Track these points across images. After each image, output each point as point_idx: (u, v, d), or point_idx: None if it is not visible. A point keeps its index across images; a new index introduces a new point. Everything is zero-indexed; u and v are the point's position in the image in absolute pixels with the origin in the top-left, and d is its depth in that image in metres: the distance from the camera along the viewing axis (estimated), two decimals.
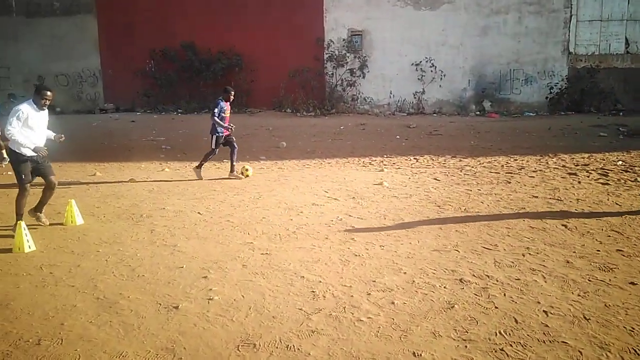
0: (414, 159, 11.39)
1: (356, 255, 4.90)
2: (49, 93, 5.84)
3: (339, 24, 21.45)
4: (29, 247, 5.23)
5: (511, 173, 9.33)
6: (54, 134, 6.33)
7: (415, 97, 21.47)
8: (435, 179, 8.96)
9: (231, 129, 9.38)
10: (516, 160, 10.90)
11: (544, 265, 4.61)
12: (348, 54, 21.36)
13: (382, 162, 11.06)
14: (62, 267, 4.75)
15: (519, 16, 20.74)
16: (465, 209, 6.65)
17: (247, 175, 9.36)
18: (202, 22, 21.98)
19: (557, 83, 20.85)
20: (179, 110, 21.87)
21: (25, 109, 5.73)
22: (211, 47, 21.78)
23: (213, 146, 9.35)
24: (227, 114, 9.39)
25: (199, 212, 6.73)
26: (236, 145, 9.53)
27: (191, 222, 6.27)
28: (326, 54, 21.50)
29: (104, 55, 23.35)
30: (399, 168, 10.27)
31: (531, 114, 20.78)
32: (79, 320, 3.65)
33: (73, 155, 12.54)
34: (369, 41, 21.46)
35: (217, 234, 5.75)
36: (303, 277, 4.39)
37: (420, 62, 21.05)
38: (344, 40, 21.41)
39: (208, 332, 3.47)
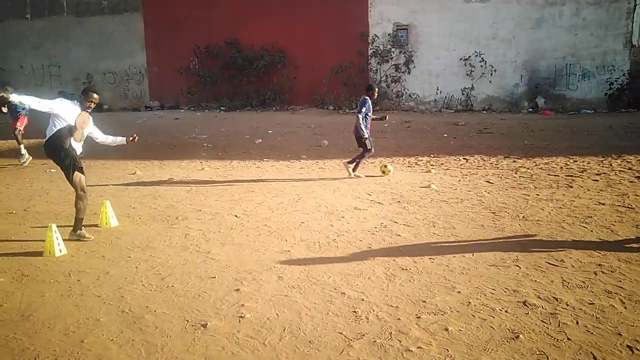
0: (464, 159, 10.74)
1: (403, 269, 4.43)
2: (95, 96, 5.62)
3: (384, 18, 20.83)
4: (60, 251, 5.04)
5: (572, 176, 8.58)
6: (123, 138, 6.34)
7: (463, 94, 20.60)
8: (488, 181, 8.33)
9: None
10: (576, 161, 10.07)
11: (620, 287, 4.01)
12: (393, 49, 20.73)
13: (429, 162, 10.48)
14: (91, 274, 4.52)
15: (576, 7, 19.52)
16: (524, 217, 6.04)
17: (388, 172, 8.96)
18: (245, 19, 21.87)
19: (618, 78, 19.53)
20: (222, 108, 21.85)
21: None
22: (254, 44, 21.64)
23: (369, 146, 9.00)
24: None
25: (235, 215, 6.42)
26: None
27: (227, 225, 5.96)
28: (370, 49, 20.95)
29: (150, 52, 23.63)
30: (447, 169, 9.67)
31: (589, 111, 19.55)
32: (100, 338, 3.37)
33: (117, 153, 12.56)
34: (415, 35, 20.75)
35: (253, 240, 5.40)
36: (344, 293, 3.97)
37: (469, 56, 20.17)
38: (389, 34, 20.79)
39: (237, 357, 3.10)
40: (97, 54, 24.25)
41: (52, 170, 10.36)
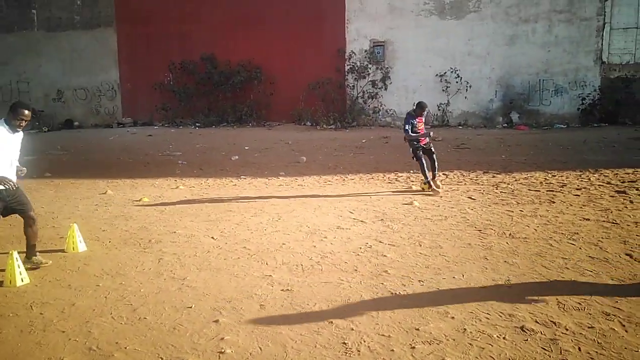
0: (443, 174, 10.63)
1: (392, 294, 4.20)
2: (26, 112, 4.75)
3: (360, 35, 20.89)
4: (22, 281, 4.66)
5: (553, 191, 8.53)
6: (18, 166, 5.02)
7: (439, 109, 20.71)
8: (470, 197, 8.21)
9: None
10: (555, 176, 10.07)
11: (618, 308, 3.85)
12: (370, 65, 20.76)
13: (409, 178, 10.35)
14: (55, 306, 4.15)
15: (548, 25, 19.91)
16: (510, 234, 5.90)
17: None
18: (222, 34, 21.67)
19: (590, 94, 19.89)
20: (197, 124, 21.48)
21: None
22: (231, 59, 21.42)
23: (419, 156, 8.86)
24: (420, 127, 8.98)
25: (212, 237, 6.11)
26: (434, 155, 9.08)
27: (204, 249, 5.65)
28: (347, 65, 20.94)
29: (123, 68, 23.18)
30: None
31: (562, 126, 19.83)
32: None
33: (86, 171, 12.16)
34: (392, 52, 20.85)
35: (231, 264, 5.10)
36: (331, 322, 3.71)
37: (445, 72, 20.33)
38: (365, 51, 20.83)
39: None
40: (69, 69, 23.68)
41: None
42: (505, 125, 20.25)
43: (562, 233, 5.91)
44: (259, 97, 21.34)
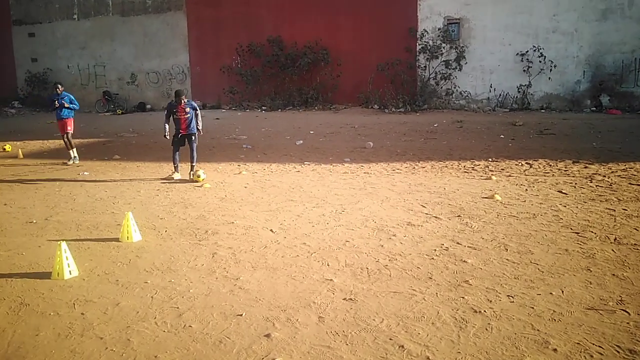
0: (527, 164, 9.61)
1: (476, 312, 3.52)
2: None
3: (434, 12, 19.67)
4: (70, 273, 4.40)
5: None
6: None
7: (519, 91, 19.18)
8: (561, 191, 7.23)
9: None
10: None
11: None
12: (443, 45, 19.53)
13: (488, 167, 9.41)
14: (99, 306, 3.84)
15: None
16: (615, 239, 4.98)
17: (200, 180, 8.64)
18: (288, 15, 21.22)
19: None
20: (264, 108, 21.28)
21: None
22: (297, 41, 20.94)
23: None
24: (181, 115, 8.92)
25: (271, 230, 5.65)
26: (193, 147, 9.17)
27: (261, 243, 5.19)
28: (419, 44, 19.83)
29: (193, 52, 23.36)
30: (510, 175, 8.60)
31: None
32: None
33: (153, 154, 12.16)
34: (467, 30, 19.48)
35: (289, 262, 4.61)
36: (402, 347, 3.10)
37: (527, 51, 18.72)
38: (439, 29, 19.60)
39: None
40: (141, 53, 24.23)
41: (86, 172, 9.96)
42: (594, 109, 18.43)
43: None
44: (325, 80, 20.76)
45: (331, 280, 4.17)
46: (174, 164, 9.18)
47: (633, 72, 18.36)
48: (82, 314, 3.70)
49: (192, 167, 9.11)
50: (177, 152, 9.16)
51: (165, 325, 3.49)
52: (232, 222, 5.99)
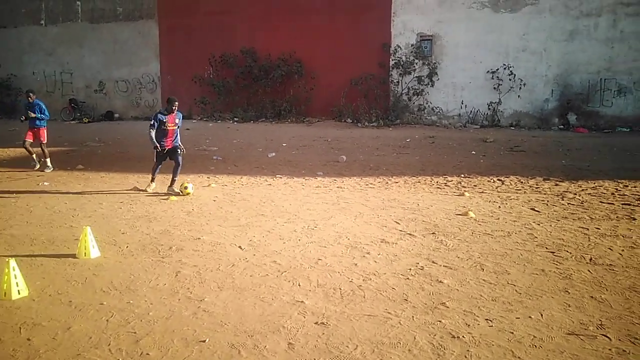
0: (499, 180, 9.62)
1: (454, 337, 3.35)
2: None
3: (407, 28, 19.83)
4: (18, 293, 4.06)
5: (630, 205, 7.42)
6: None
7: (489, 108, 19.43)
8: (533, 209, 7.20)
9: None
10: (627, 186, 8.90)
11: None
12: (416, 60, 19.68)
13: (461, 183, 9.37)
14: (48, 330, 3.51)
15: (613, 19, 18.29)
16: (591, 259, 4.92)
17: (187, 193, 8.20)
18: (262, 27, 21.07)
19: None
20: (235, 119, 20.98)
21: None
22: (271, 53, 20.79)
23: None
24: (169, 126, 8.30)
25: (239, 247, 5.39)
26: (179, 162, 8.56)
27: (228, 261, 4.93)
28: (392, 60, 19.93)
29: (164, 61, 22.93)
30: (482, 192, 8.56)
31: (625, 129, 18.24)
32: None
33: (119, 165, 11.74)
34: (440, 46, 19.70)
35: (258, 282, 4.36)
36: None
37: (497, 69, 19.02)
38: (412, 45, 19.76)
39: None
40: (111, 61, 23.64)
41: (46, 183, 9.50)
42: (562, 127, 18.81)
43: None
44: (299, 92, 20.63)
45: (302, 302, 3.94)
46: (153, 175, 8.66)
47: (599, 92, 18.84)
48: (28, 339, 3.37)
49: (173, 181, 8.52)
50: (159, 167, 8.64)
51: (120, 353, 3.20)
52: (199, 238, 5.71)
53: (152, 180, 8.67)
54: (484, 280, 4.37)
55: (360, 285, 4.26)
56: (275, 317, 3.66)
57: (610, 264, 4.76)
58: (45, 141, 10.87)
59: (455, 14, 19.31)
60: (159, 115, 8.19)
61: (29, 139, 10.78)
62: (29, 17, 24.40)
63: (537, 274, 4.50)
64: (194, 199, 8.03)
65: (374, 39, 19.99)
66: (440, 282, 4.33)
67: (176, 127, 8.33)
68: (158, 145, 8.14)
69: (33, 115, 10.60)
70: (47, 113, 10.88)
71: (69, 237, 5.80)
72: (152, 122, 8.17)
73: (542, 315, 3.67)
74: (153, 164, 8.64)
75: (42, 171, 10.72)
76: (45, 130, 10.88)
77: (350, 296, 4.04)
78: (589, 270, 4.60)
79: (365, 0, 20.09)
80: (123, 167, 11.45)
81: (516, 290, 4.13)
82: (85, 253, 5.04)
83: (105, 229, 6.14)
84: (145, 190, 8.50)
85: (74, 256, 5.08)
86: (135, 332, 3.46)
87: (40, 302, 3.99)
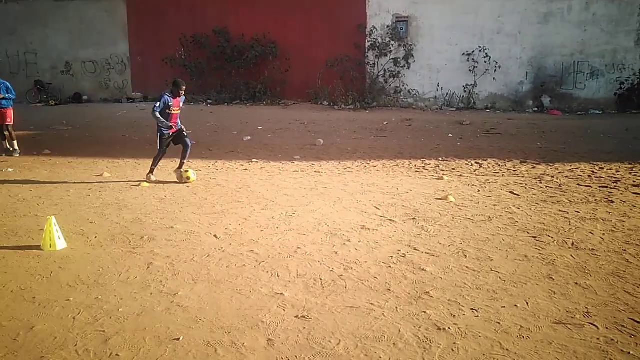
0: (476, 163, 9.59)
1: (440, 329, 3.24)
2: None
3: (382, 9, 19.57)
4: None
5: (607, 187, 7.45)
6: None
7: (465, 91, 19.44)
8: (512, 192, 7.17)
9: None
10: (603, 169, 8.96)
11: None
12: (392, 42, 19.48)
13: (439, 166, 9.30)
14: (9, 330, 3.27)
15: (586, 2, 18.39)
16: (573, 244, 4.88)
17: (191, 181, 7.86)
18: (235, 6, 20.50)
19: (629, 78, 18.46)
20: (209, 101, 20.49)
21: None
22: (245, 33, 20.28)
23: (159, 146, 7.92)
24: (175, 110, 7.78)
25: (215, 235, 5.18)
26: (189, 143, 8.09)
27: (203, 251, 4.72)
28: (368, 41, 19.68)
29: (133, 41, 22.14)
30: (461, 175, 8.50)
31: (597, 111, 18.51)
32: None
33: (88, 149, 11.31)
34: (416, 28, 19.53)
35: (235, 274, 4.17)
36: None
37: (473, 51, 18.99)
38: (387, 27, 19.53)
39: None
40: (77, 41, 22.69)
41: (10, 169, 9.06)
42: (536, 109, 18.97)
43: (637, 244, 4.87)
44: (274, 74, 20.23)
45: (281, 294, 3.77)
46: (155, 165, 8.01)
47: (572, 74, 19.03)
48: None
49: (182, 164, 8.05)
50: (163, 155, 8.03)
51: (87, 354, 2.98)
52: (172, 227, 5.47)
53: (152, 170, 8.03)
54: (467, 267, 4.28)
55: (342, 275, 4.11)
56: (253, 311, 3.49)
57: (593, 249, 4.73)
58: (12, 122, 10.36)
59: None
60: (166, 97, 7.55)
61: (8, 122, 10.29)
62: None
63: (520, 260, 4.43)
64: (167, 185, 7.75)
65: (350, 20, 19.68)
66: (423, 270, 4.21)
67: (179, 110, 7.84)
68: (168, 126, 7.59)
69: (1, 95, 10.08)
70: (13, 92, 10.38)
71: (33, 227, 5.49)
72: (157, 104, 7.54)
73: (527, 303, 3.59)
74: (156, 153, 7.97)
75: (11, 156, 10.24)
76: (11, 111, 10.39)
77: (331, 287, 3.89)
78: (571, 256, 4.55)
79: None
80: (92, 151, 11.02)
81: (500, 278, 4.05)
82: (50, 244, 4.76)
83: (72, 217, 5.84)
84: (146, 182, 7.81)
85: (38, 248, 4.80)
86: (104, 331, 3.24)
87: (1, 299, 3.72)
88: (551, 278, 4.04)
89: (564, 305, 3.57)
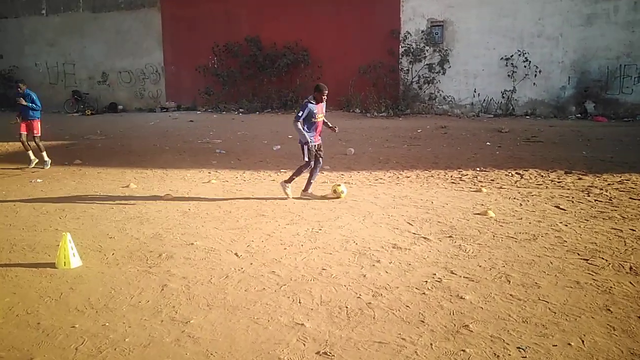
0: (517, 174, 9.01)
1: None
2: None
3: (417, 14, 19.09)
4: None
5: None
6: None
7: (503, 97, 18.70)
8: (558, 207, 6.61)
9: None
10: None
11: None
12: (427, 47, 18.96)
13: (477, 177, 8.79)
14: None
15: (634, 1, 17.42)
16: (631, 268, 4.34)
17: (341, 194, 7.17)
18: (267, 15, 20.43)
19: None
20: (241, 110, 20.43)
21: None
22: (276, 42, 20.18)
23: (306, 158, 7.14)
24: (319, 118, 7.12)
25: (236, 254, 4.88)
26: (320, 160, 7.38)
27: (222, 271, 4.41)
28: (402, 47, 19.22)
29: (167, 51, 22.40)
30: (501, 187, 7.97)
31: None
32: None
33: (118, 159, 11.29)
34: (451, 32, 18.95)
35: (253, 299, 3.84)
36: None
37: (512, 56, 18.25)
38: (422, 32, 19.03)
39: None
40: (113, 51, 23.14)
41: (39, 180, 9.06)
42: (579, 115, 18.05)
43: None
44: (305, 82, 19.99)
45: (302, 324, 3.41)
46: (297, 176, 7.28)
47: (618, 78, 18.02)
48: None
49: (310, 184, 7.36)
50: (311, 167, 7.22)
51: None
52: (192, 244, 5.20)
53: (291, 180, 7.32)
54: (511, 295, 3.82)
55: (370, 303, 3.72)
56: (270, 345, 3.15)
57: None
58: (39, 134, 10.39)
59: None
60: (310, 105, 6.85)
61: (24, 132, 10.35)
62: (30, 7, 23.94)
63: (571, 287, 3.94)
64: (192, 195, 7.54)
65: (383, 26, 19.29)
66: (462, 298, 3.78)
67: (323, 117, 7.16)
68: (306, 139, 6.90)
69: (24, 103, 10.12)
70: (38, 103, 10.41)
71: (51, 242, 5.31)
72: (299, 113, 6.85)
73: (583, 341, 3.12)
74: (302, 165, 7.21)
75: (42, 168, 10.25)
76: (38, 123, 10.41)
77: (358, 316, 3.51)
78: (630, 283, 4.03)
79: None
80: (122, 161, 10.99)
81: (550, 309, 3.58)
82: (64, 262, 4.55)
83: (92, 232, 5.66)
84: (287, 197, 7.22)
85: (53, 265, 4.60)
86: None
87: (4, 325, 3.50)
88: (609, 310, 3.55)
89: (626, 344, 3.08)
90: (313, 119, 6.94)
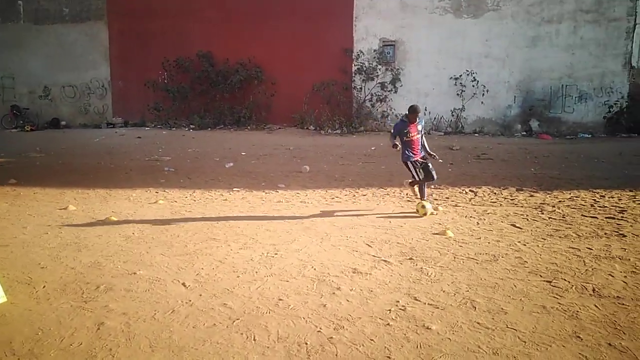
0: (471, 191, 9.04)
1: None
2: None
3: (369, 33, 19.27)
4: None
5: (614, 218, 6.90)
6: None
7: (453, 115, 19.08)
8: (514, 225, 6.59)
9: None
10: (604, 196, 8.45)
11: None
12: (379, 66, 19.14)
13: (432, 195, 8.72)
14: None
15: (574, 26, 18.29)
16: (594, 290, 4.26)
17: (425, 214, 7.22)
18: (220, 31, 20.05)
19: (617, 101, 18.29)
20: (192, 126, 19.85)
21: None
22: (229, 58, 19.82)
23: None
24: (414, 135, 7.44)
25: (183, 283, 4.48)
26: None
27: (168, 305, 4.01)
28: (355, 65, 19.32)
29: (114, 65, 21.54)
30: (456, 205, 7.93)
31: (586, 135, 18.23)
32: None
33: (57, 178, 10.54)
34: (403, 52, 19.23)
35: (202, 337, 3.47)
36: None
37: (460, 75, 18.70)
38: (374, 51, 19.21)
39: None
40: (56, 65, 21.99)
41: None
42: (524, 133, 18.66)
43: None
44: (259, 99, 19.73)
45: None
46: (422, 194, 7.62)
47: (560, 98, 18.81)
48: None
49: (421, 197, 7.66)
50: (421, 180, 7.58)
51: None
52: (134, 273, 4.75)
53: (423, 197, 7.59)
54: (478, 323, 3.63)
55: (331, 337, 3.43)
56: None
57: (618, 297, 4.12)
58: None
59: (417, 19, 18.91)
60: (400, 126, 7.36)
61: None
62: None
63: (538, 313, 3.80)
64: (137, 217, 7.04)
65: (336, 44, 19.34)
66: (428, 328, 3.56)
67: (419, 135, 7.47)
68: (398, 144, 7.32)
69: None
70: None
71: None
72: (392, 131, 7.58)
73: None
74: (412, 181, 7.74)
75: None
76: None
77: (319, 354, 3.21)
78: (595, 306, 3.93)
79: (326, 5, 19.42)
80: (62, 181, 10.27)
81: (519, 337, 3.41)
82: None
83: (21, 262, 5.10)
84: (433, 213, 7.31)
85: None
86: None
87: None
88: (578, 337, 3.41)
89: None
90: (406, 138, 7.35)
